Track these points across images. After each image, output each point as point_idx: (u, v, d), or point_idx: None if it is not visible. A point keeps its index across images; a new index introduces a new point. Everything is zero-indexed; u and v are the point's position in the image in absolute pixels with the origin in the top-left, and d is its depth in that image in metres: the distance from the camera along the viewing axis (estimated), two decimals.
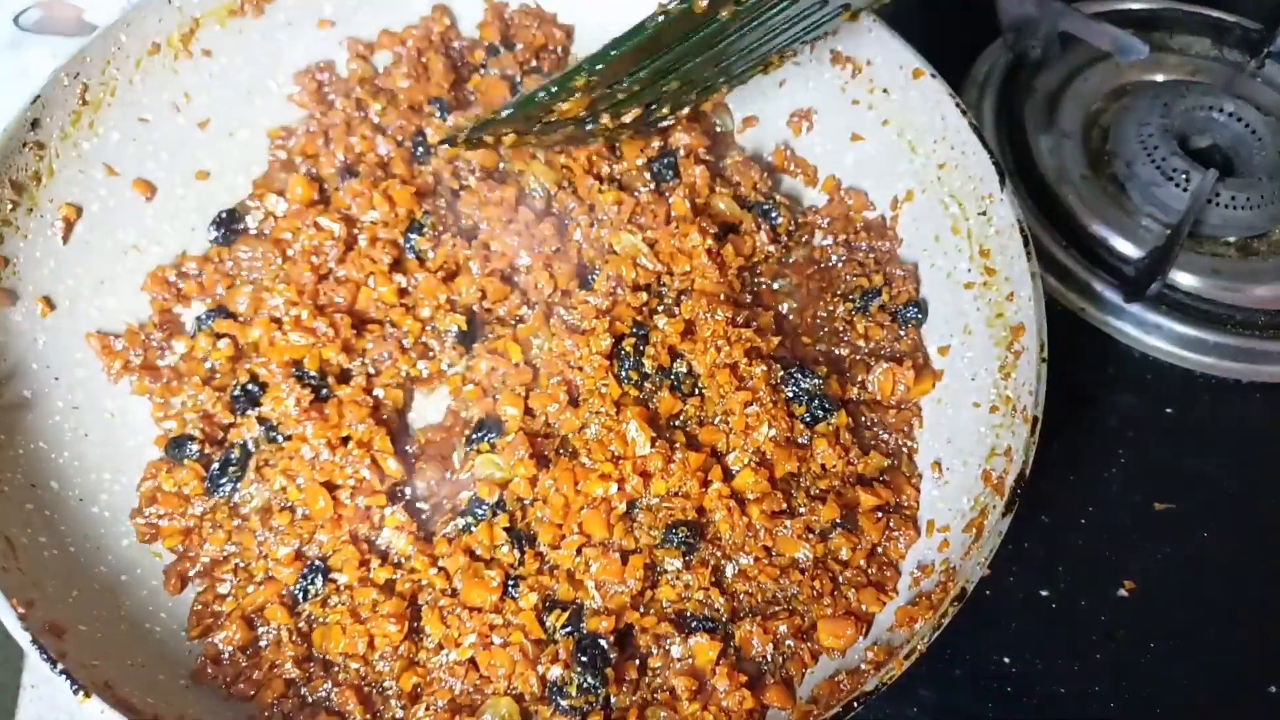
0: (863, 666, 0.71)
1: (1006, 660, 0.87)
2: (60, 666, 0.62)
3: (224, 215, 0.93)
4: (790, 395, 0.83)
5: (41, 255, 0.85)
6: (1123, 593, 0.91)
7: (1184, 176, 1.09)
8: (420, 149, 0.96)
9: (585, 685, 0.70)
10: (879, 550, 0.79)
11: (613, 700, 0.72)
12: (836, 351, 0.90)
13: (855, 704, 0.64)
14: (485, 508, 0.78)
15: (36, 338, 0.83)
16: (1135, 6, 1.26)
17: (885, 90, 0.95)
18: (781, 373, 0.84)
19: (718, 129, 1.02)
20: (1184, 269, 1.05)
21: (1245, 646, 0.89)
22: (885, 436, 0.86)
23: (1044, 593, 0.91)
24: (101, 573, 0.76)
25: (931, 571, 0.75)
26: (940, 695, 0.85)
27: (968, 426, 0.82)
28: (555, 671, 0.71)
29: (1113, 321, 1.06)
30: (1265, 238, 1.10)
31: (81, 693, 0.62)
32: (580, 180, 0.94)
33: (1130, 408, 1.02)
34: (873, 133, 0.98)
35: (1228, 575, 0.92)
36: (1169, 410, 1.02)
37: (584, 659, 0.71)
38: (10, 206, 0.82)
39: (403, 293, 0.89)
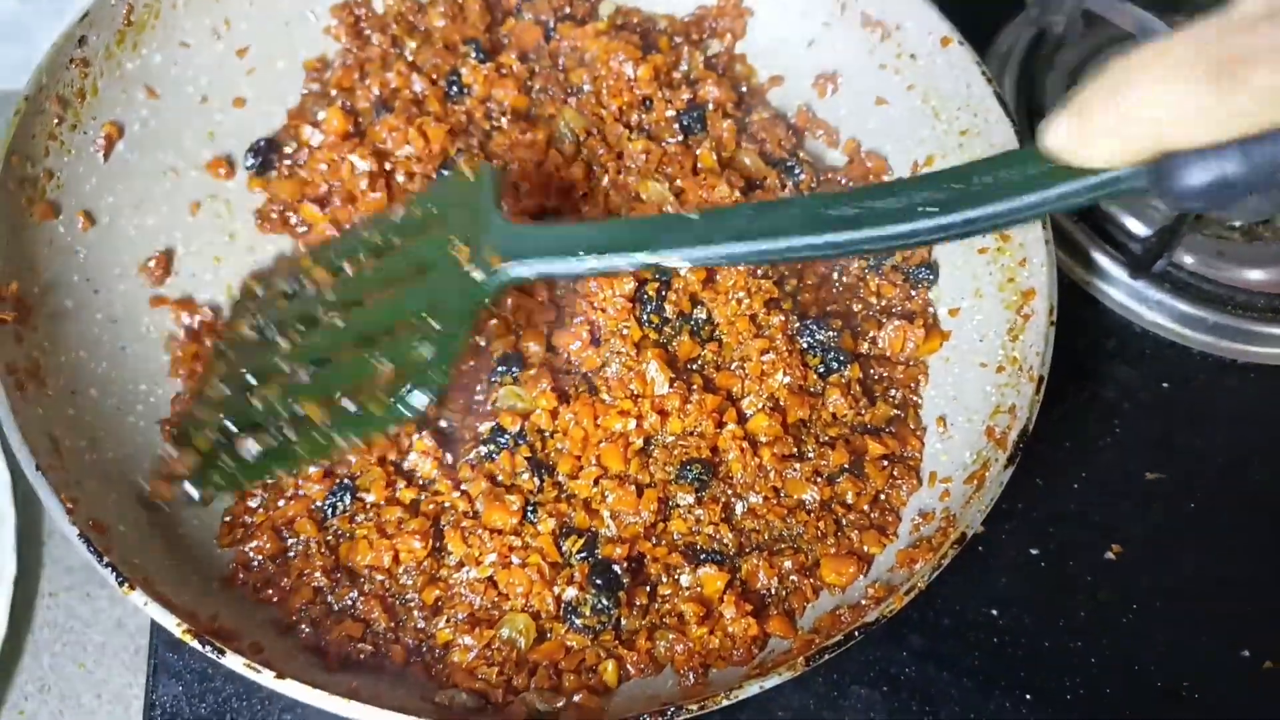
0: (863, 602, 0.74)
1: (994, 613, 0.91)
2: (106, 559, 0.66)
3: (262, 143, 0.95)
4: (805, 346, 0.86)
5: (85, 171, 0.87)
6: (1110, 555, 0.94)
7: None
8: (454, 88, 0.98)
9: (599, 606, 0.74)
10: (882, 496, 0.83)
11: (623, 623, 0.76)
12: (852, 307, 0.93)
13: (856, 634, 0.67)
14: (507, 437, 0.81)
15: (78, 250, 0.85)
16: None
17: (913, 56, 0.97)
18: (798, 324, 0.87)
19: (743, 87, 1.04)
20: (1189, 250, 1.08)
21: (1223, 612, 0.92)
22: (893, 392, 0.89)
23: (1034, 551, 0.94)
24: (137, 480, 0.78)
25: (932, 518, 0.79)
26: (928, 642, 0.89)
27: (974, 385, 0.85)
28: (571, 592, 0.75)
29: (1116, 296, 1.08)
30: (1270, 223, 1.13)
31: (126, 584, 0.65)
32: (610, 128, 0.96)
33: (1128, 380, 1.05)
34: (897, 97, 1.00)
35: (1210, 545, 0.96)
36: (1165, 385, 1.05)
37: (599, 582, 0.74)
38: (56, 121, 0.84)
39: None
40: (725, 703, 0.66)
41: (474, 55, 0.99)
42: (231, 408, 0.77)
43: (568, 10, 1.04)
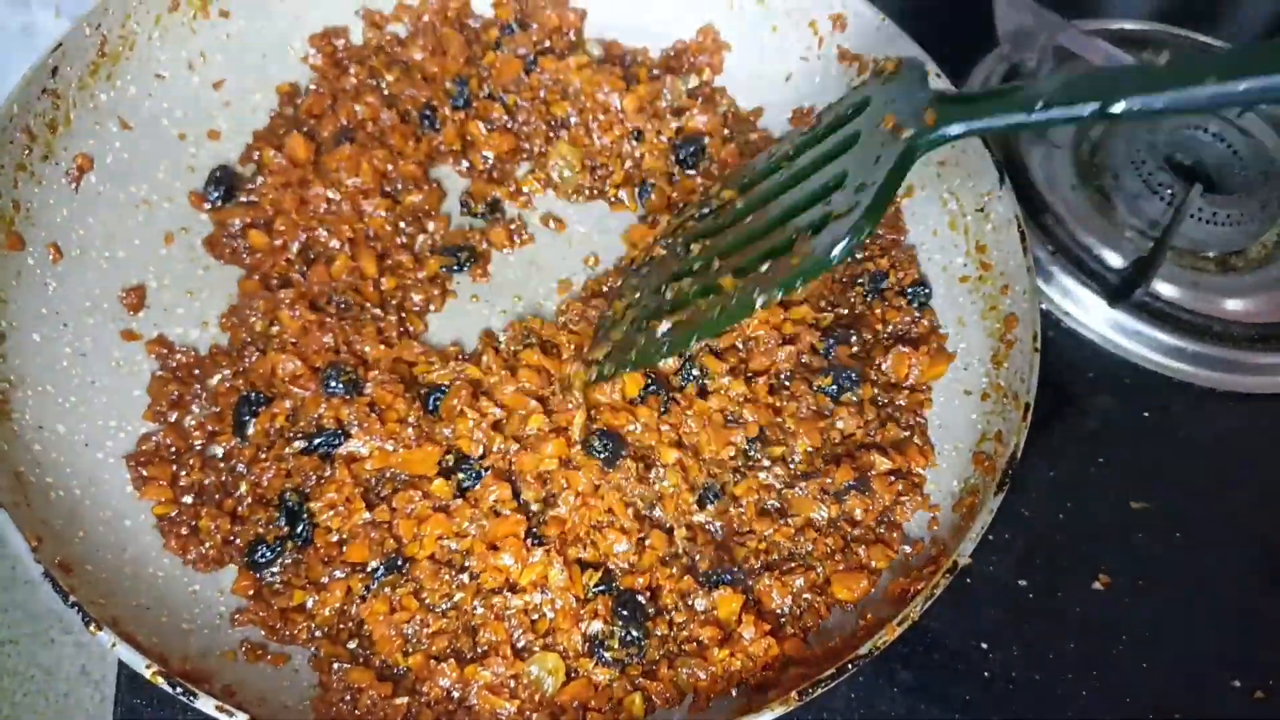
0: (855, 634, 0.73)
1: (984, 646, 0.89)
2: (72, 599, 0.63)
3: (218, 172, 0.94)
4: (824, 367, 0.87)
5: (55, 203, 0.85)
6: (1098, 586, 0.93)
7: (1169, 191, 1.13)
8: (427, 122, 0.98)
9: (628, 638, 0.73)
10: (888, 514, 0.82)
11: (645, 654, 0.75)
12: (863, 335, 0.93)
13: (850, 665, 0.66)
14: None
15: (47, 283, 0.83)
16: (1129, 26, 1.30)
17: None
18: (819, 335, 0.88)
19: (729, 113, 1.04)
20: (1165, 280, 1.09)
21: (1212, 642, 0.92)
22: (897, 416, 0.88)
23: (1022, 583, 0.93)
24: (106, 516, 0.76)
25: (922, 548, 0.78)
26: (918, 677, 0.87)
27: (959, 413, 0.85)
28: (596, 626, 0.74)
29: (1095, 327, 1.09)
30: (1243, 254, 1.14)
31: (93, 624, 0.62)
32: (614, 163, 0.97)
33: (1110, 410, 1.05)
34: None
35: (1198, 574, 0.95)
36: (1147, 414, 1.05)
37: (624, 613, 0.74)
38: (26, 151, 0.83)
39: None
40: None
41: (458, 99, 0.99)
42: (644, 308, 0.80)
43: (547, 44, 1.04)
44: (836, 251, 0.68)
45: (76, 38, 0.86)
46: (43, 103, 0.84)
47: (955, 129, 0.71)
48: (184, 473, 0.80)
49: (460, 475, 0.80)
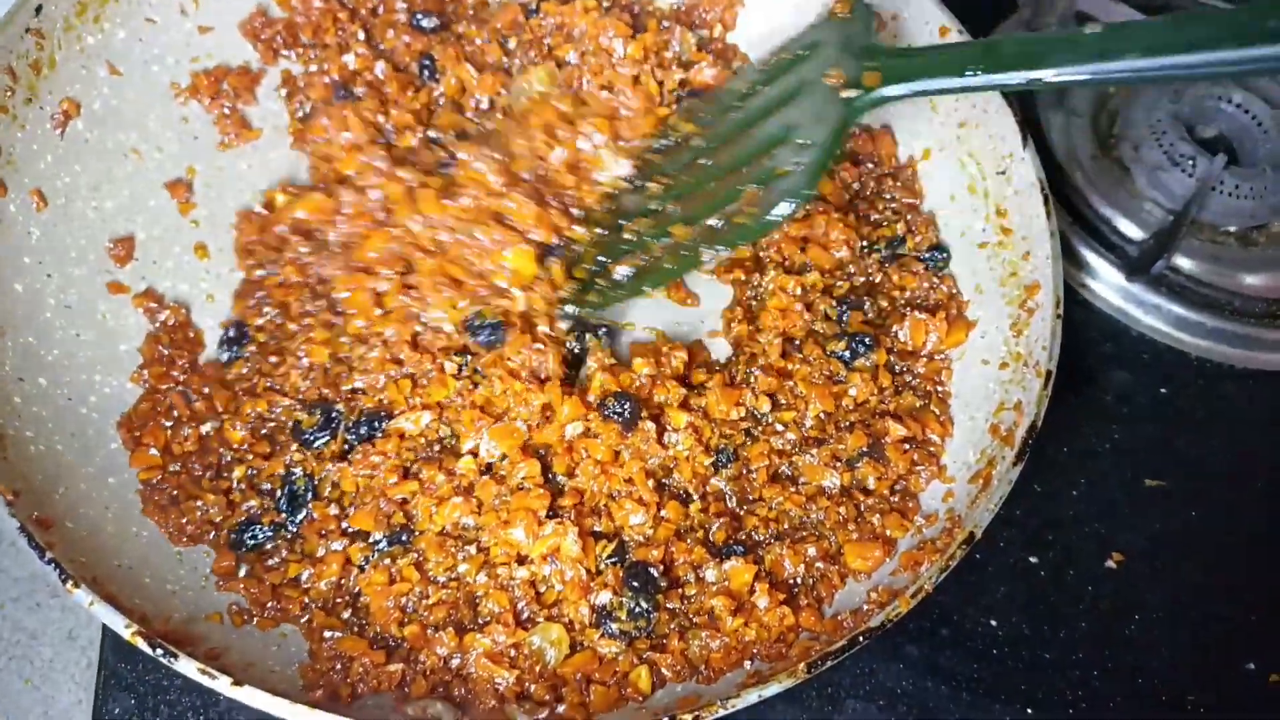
0: (865, 607, 0.70)
1: (993, 623, 0.87)
2: (48, 556, 0.60)
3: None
4: (836, 333, 0.85)
5: (39, 149, 0.82)
6: (1110, 564, 0.91)
7: (1190, 162, 1.09)
8: (426, 72, 0.95)
9: (637, 610, 0.71)
10: (902, 482, 0.80)
11: (654, 627, 0.73)
12: (879, 303, 0.90)
13: (860, 639, 0.63)
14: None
15: (30, 231, 0.80)
16: None
17: (910, 47, 0.95)
18: (833, 302, 0.86)
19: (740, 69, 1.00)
20: (1185, 254, 1.06)
21: (1226, 623, 0.90)
22: (914, 384, 0.86)
23: (1033, 560, 0.91)
24: (88, 473, 0.73)
25: (936, 520, 0.75)
26: (926, 653, 0.85)
27: (976, 382, 0.82)
28: (605, 596, 0.72)
29: (1113, 300, 1.06)
30: (1265, 229, 1.11)
31: (70, 582, 0.60)
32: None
33: (1126, 386, 1.02)
34: None
35: (1212, 553, 0.93)
36: (1163, 390, 1.02)
37: (635, 585, 0.72)
38: (8, 93, 0.79)
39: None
40: (721, 712, 0.61)
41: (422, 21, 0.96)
42: (606, 246, 0.83)
43: None
44: (778, 214, 0.72)
45: None
46: (26, 42, 0.80)
47: (894, 90, 0.73)
48: (175, 443, 0.78)
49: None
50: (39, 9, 0.80)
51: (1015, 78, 0.68)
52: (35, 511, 0.65)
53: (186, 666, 0.58)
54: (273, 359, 0.82)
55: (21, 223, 0.80)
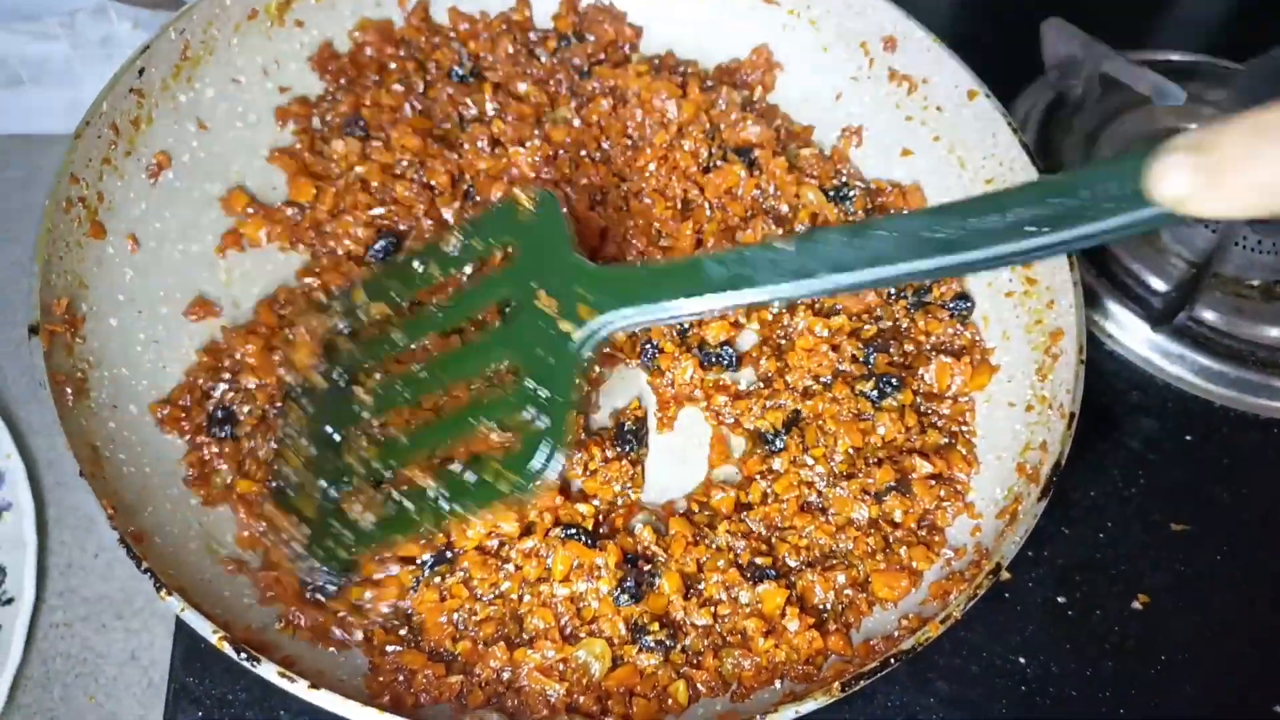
0: (896, 633, 0.74)
1: (1021, 660, 0.90)
2: (145, 565, 0.66)
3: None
4: (864, 374, 0.89)
5: (134, 196, 0.89)
6: (1137, 605, 0.94)
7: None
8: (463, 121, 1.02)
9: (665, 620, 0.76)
10: (929, 518, 0.84)
11: (689, 643, 0.77)
12: (904, 347, 0.94)
13: (892, 660, 0.67)
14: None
15: (125, 271, 0.87)
16: (1175, 58, 1.31)
17: (939, 108, 1.01)
18: (860, 345, 0.90)
19: (779, 126, 1.06)
20: (1209, 306, 1.10)
21: (1252, 666, 0.92)
22: (939, 424, 0.90)
23: (1060, 600, 0.94)
24: (173, 494, 0.79)
25: (964, 553, 0.79)
26: (955, 689, 0.88)
27: (1003, 424, 0.86)
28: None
29: (1139, 350, 1.09)
30: None
31: (163, 590, 0.65)
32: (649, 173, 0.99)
33: (1152, 432, 1.05)
34: (923, 148, 1.03)
35: (1238, 596, 0.95)
36: (1189, 438, 1.05)
37: (631, 586, 0.77)
38: (111, 146, 0.87)
39: None
40: None
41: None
42: (324, 469, 0.75)
43: (602, 57, 1.07)
44: (549, 478, 0.67)
45: (163, 41, 0.90)
46: (129, 101, 0.88)
47: (618, 323, 0.67)
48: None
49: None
50: (141, 71, 0.88)
51: (721, 301, 0.63)
52: (130, 526, 0.70)
53: (268, 670, 0.63)
54: None
55: (118, 264, 0.87)
